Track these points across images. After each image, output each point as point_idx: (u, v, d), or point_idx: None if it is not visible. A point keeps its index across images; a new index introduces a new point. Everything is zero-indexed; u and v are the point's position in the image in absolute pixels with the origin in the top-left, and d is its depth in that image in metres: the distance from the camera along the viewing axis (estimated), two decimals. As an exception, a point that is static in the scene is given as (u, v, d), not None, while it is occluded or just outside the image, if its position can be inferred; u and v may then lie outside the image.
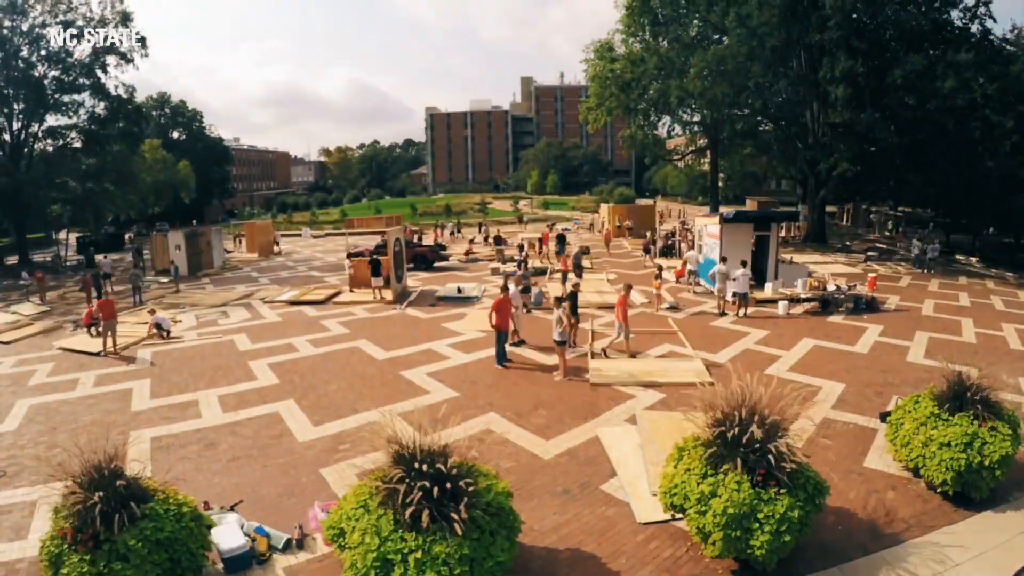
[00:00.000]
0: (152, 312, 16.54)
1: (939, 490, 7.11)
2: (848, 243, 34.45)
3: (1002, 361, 12.01)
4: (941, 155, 27.43)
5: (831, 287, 17.53)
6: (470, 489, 5.32)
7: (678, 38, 36.43)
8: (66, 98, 36.84)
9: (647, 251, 27.71)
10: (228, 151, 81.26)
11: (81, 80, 36.30)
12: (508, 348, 13.00)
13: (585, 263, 23.41)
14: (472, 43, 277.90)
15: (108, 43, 36.51)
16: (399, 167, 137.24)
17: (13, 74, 33.40)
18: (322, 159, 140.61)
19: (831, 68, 27.43)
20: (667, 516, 6.62)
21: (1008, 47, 31.52)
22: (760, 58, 28.98)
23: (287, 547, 6.44)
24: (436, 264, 27.60)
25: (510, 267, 24.63)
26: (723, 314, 16.57)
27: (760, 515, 5.55)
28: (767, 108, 34.68)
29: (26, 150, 36.51)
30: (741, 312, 16.25)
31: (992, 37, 29.10)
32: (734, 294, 16.50)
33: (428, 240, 36.50)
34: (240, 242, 41.73)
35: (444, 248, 31.51)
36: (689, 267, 21.25)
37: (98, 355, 14.18)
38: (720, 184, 48.38)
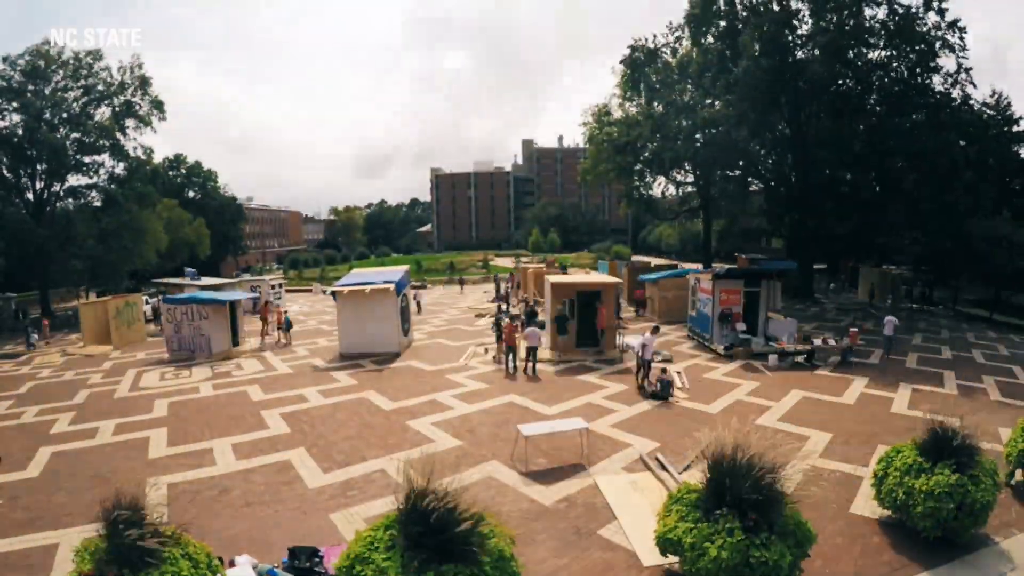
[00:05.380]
0: None
1: (923, 535, 7.37)
2: (832, 297, 35.19)
3: (982, 411, 12.40)
4: (925, 214, 28.37)
5: (818, 341, 18.07)
6: (473, 535, 5.52)
7: (672, 103, 38.33)
8: (87, 159, 38.27)
9: None
10: (241, 209, 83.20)
11: (101, 142, 37.73)
12: None
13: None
14: (477, 107, 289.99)
15: (127, 107, 38.32)
16: (406, 225, 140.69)
17: (36, 136, 34.74)
18: (331, 217, 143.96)
19: (816, 131, 28.76)
20: (672, 559, 6.83)
21: (988, 111, 33.21)
22: (748, 122, 30.37)
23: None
24: None
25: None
26: None
27: (752, 560, 5.82)
28: (756, 169, 36.01)
29: (48, 208, 37.87)
30: None
31: (972, 102, 30.38)
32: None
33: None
34: None
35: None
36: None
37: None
38: (713, 242, 49.49)
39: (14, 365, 22.65)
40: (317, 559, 7.07)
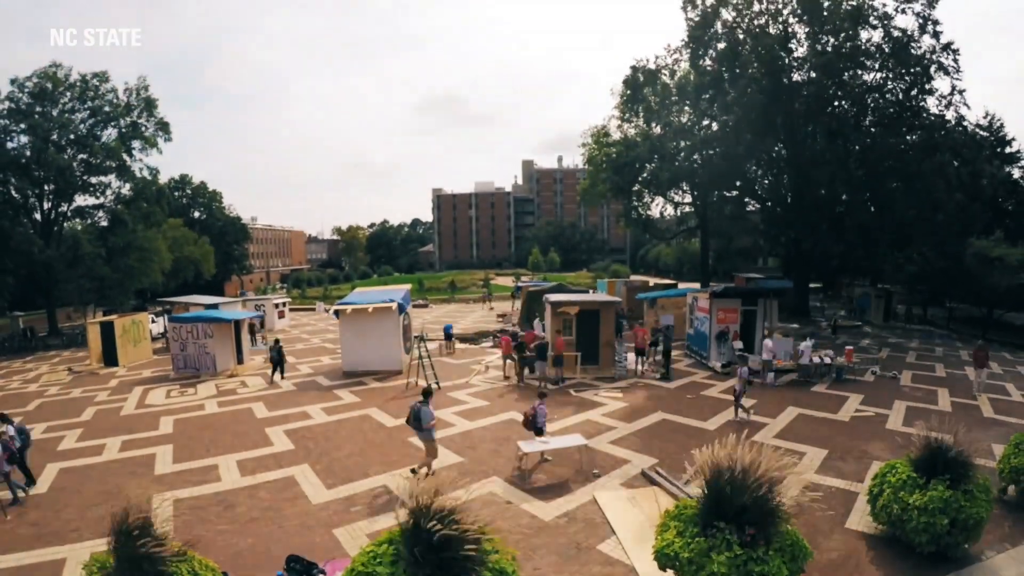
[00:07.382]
0: None
1: (917, 550, 7.49)
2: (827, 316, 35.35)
3: (976, 429, 12.51)
4: (919, 234, 28.63)
5: (815, 359, 18.22)
6: (475, 551, 5.56)
7: (670, 124, 38.86)
8: (93, 179, 38.80)
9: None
10: (246, 229, 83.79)
11: (107, 163, 38.23)
12: None
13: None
14: (478, 129, 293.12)
15: (133, 128, 38.87)
16: (407, 245, 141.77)
17: (44, 157, 35.19)
18: (335, 237, 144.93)
19: (812, 151, 29.03)
20: (671, 574, 6.82)
21: (980, 132, 33.61)
22: (744, 142, 30.72)
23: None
24: None
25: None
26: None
27: (750, 575, 5.90)
28: (753, 190, 36.38)
29: (55, 228, 38.29)
30: None
31: (966, 123, 30.74)
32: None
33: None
34: None
35: None
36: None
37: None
38: (710, 261, 49.69)
39: (22, 383, 22.84)
40: (319, 572, 7.22)
